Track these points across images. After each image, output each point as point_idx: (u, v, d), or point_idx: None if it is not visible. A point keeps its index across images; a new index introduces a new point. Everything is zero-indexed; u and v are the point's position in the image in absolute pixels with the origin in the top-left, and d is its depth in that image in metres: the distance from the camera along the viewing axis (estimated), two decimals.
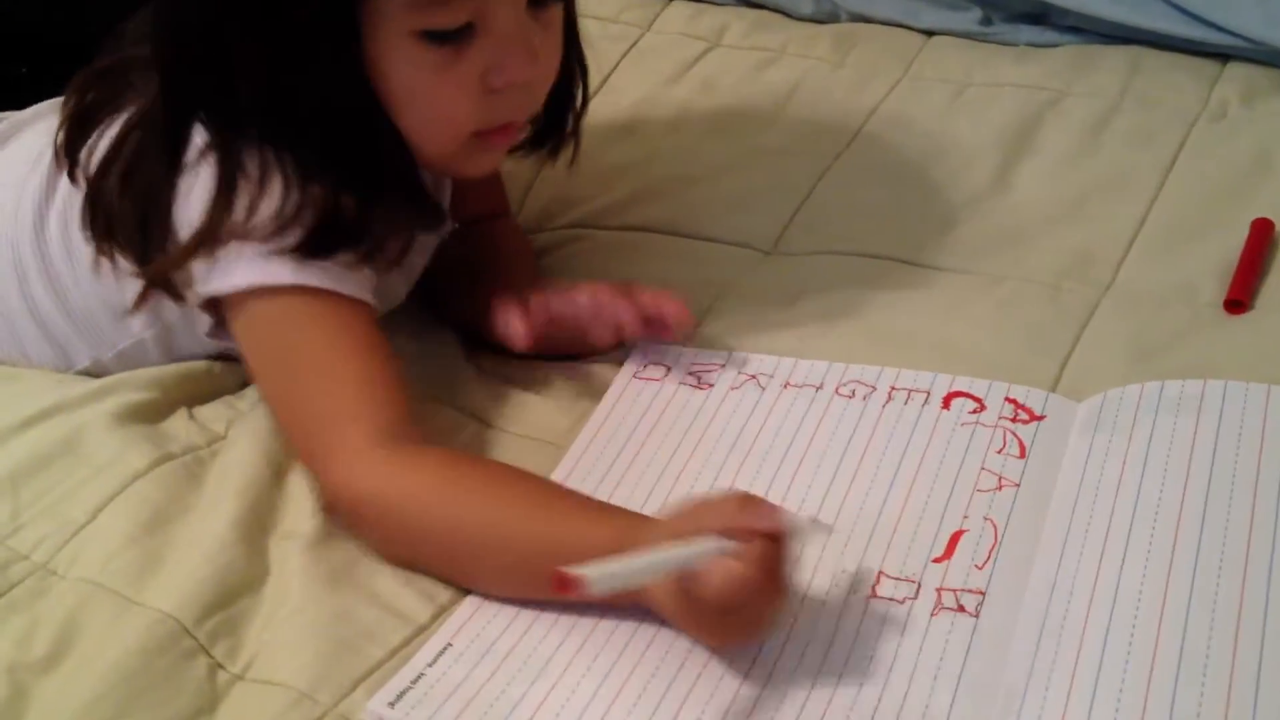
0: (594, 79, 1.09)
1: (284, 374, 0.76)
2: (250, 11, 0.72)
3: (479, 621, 0.68)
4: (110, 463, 0.77)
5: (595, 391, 0.82)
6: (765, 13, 1.18)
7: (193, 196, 0.75)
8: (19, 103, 0.94)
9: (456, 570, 0.70)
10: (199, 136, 0.75)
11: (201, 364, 0.84)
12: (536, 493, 0.71)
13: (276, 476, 0.76)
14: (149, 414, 0.81)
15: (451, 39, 0.73)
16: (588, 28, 1.16)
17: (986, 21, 1.12)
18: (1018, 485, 0.73)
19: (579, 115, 0.87)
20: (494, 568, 0.69)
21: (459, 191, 0.91)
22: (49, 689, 0.66)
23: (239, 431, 0.80)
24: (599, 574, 0.59)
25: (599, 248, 0.95)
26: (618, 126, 1.07)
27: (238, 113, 0.74)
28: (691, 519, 0.64)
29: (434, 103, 0.75)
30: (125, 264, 0.79)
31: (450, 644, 0.67)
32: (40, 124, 0.89)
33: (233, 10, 0.72)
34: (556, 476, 0.76)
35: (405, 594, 0.70)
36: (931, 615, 0.66)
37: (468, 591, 0.70)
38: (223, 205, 0.74)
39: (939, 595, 0.67)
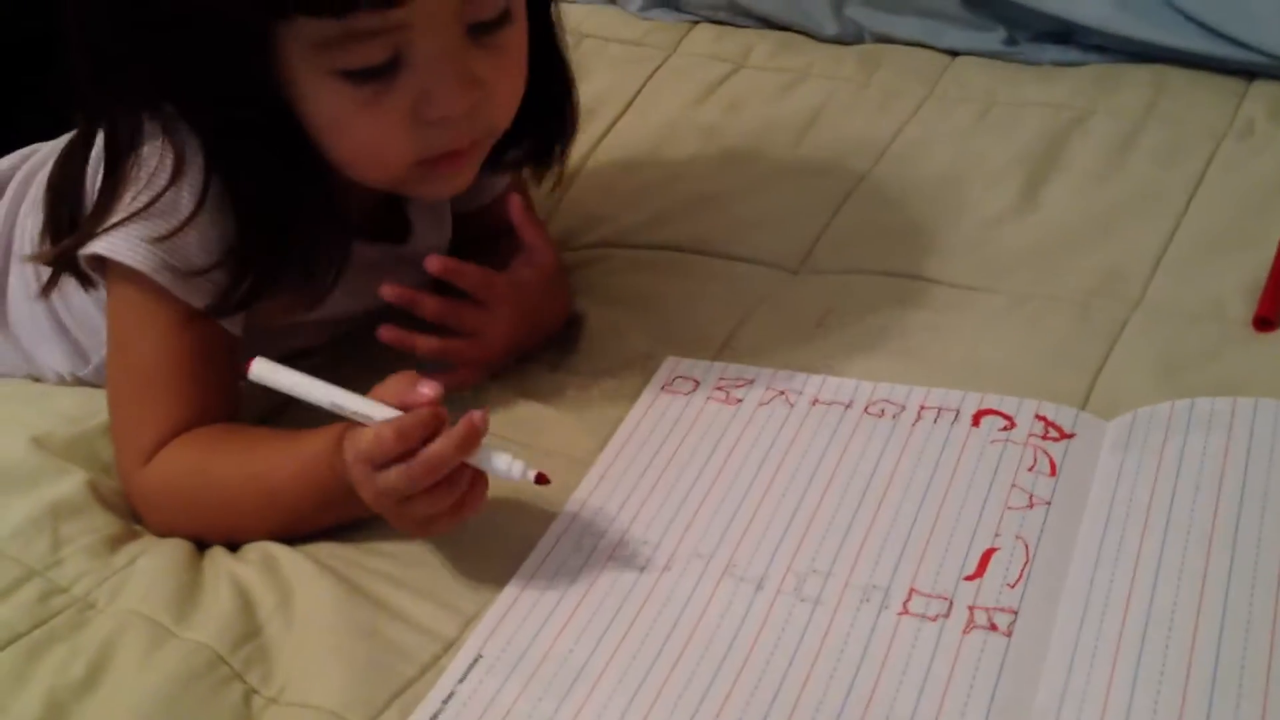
0: (620, 101, 1.12)
1: (117, 352, 0.79)
2: (159, 33, 0.70)
3: (508, 628, 0.69)
4: None
5: (622, 404, 0.82)
6: (790, 34, 1.19)
7: (98, 184, 0.76)
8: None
9: (227, 530, 0.76)
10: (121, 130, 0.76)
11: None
12: (244, 439, 0.77)
13: None
14: None
15: (374, 76, 0.71)
16: (613, 51, 1.19)
17: (1011, 41, 1.12)
18: (1049, 503, 0.72)
19: (566, 135, 0.86)
20: (245, 516, 0.75)
21: (486, 208, 0.91)
22: (87, 711, 0.66)
23: None
24: (268, 369, 0.70)
25: (626, 266, 0.96)
26: (645, 147, 1.07)
27: (153, 108, 0.74)
28: (376, 390, 0.70)
29: (363, 138, 0.73)
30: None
31: (481, 655, 0.67)
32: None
33: (142, 22, 0.70)
34: (582, 491, 0.77)
35: (431, 609, 0.71)
36: (963, 634, 0.66)
37: (493, 600, 0.70)
38: (112, 190, 0.75)
39: (971, 614, 0.67)
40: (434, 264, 0.81)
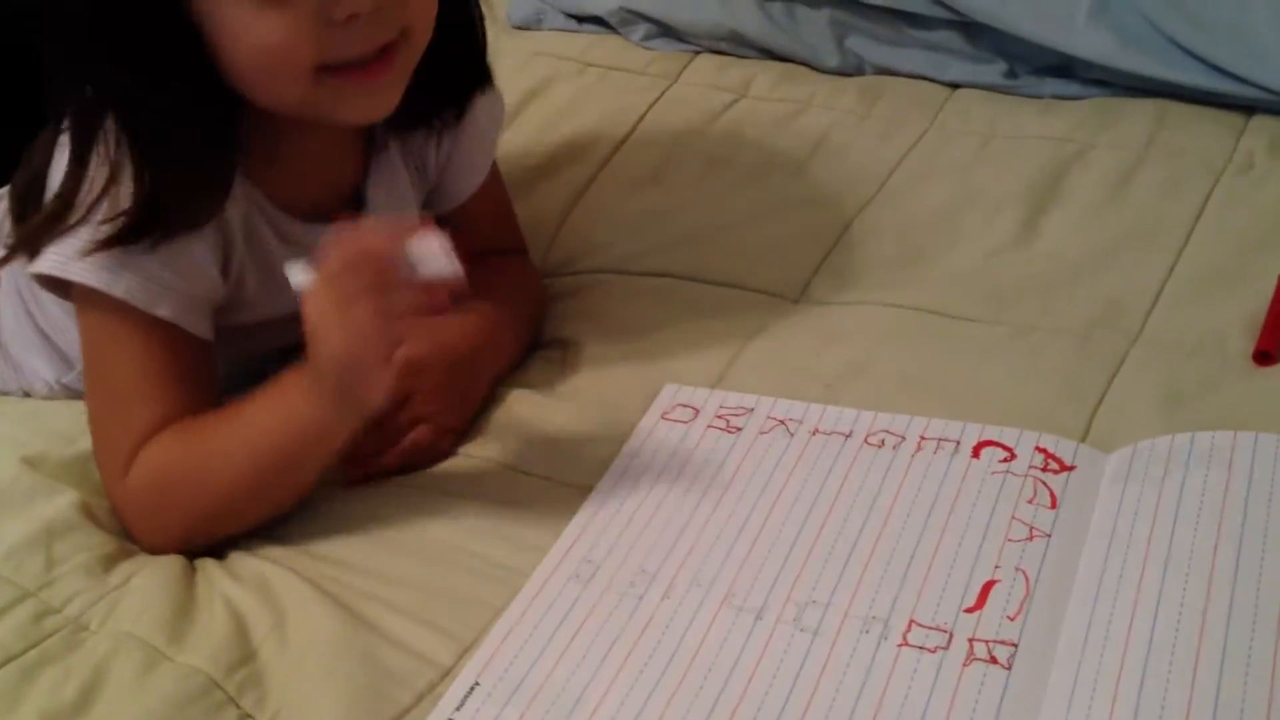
0: (622, 130, 1.12)
1: (91, 372, 0.79)
2: None
3: (505, 656, 0.68)
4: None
5: (621, 432, 0.82)
6: (791, 65, 1.19)
7: (56, 168, 0.76)
8: None
9: (215, 509, 0.76)
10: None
11: None
12: (220, 412, 0.77)
13: (293, 531, 0.77)
14: None
15: None
16: (615, 80, 1.19)
17: (1011, 74, 1.13)
18: (1049, 535, 0.72)
19: (470, 63, 0.84)
20: (231, 483, 0.75)
21: (463, 218, 0.91)
22: None
23: None
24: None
25: (625, 293, 0.96)
26: (646, 176, 1.07)
27: (88, 76, 0.73)
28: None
29: (265, 38, 0.71)
30: None
31: (478, 683, 0.67)
32: None
33: None
34: (581, 518, 0.76)
35: (427, 635, 0.70)
36: (963, 666, 0.66)
37: (490, 627, 0.70)
38: (73, 179, 0.75)
39: (971, 646, 0.67)
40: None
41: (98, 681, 0.68)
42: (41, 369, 0.89)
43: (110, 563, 0.76)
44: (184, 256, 0.76)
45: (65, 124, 0.76)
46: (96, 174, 0.75)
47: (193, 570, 0.76)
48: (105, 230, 0.74)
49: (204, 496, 0.76)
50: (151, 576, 0.75)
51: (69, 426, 0.85)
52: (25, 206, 0.79)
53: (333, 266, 0.70)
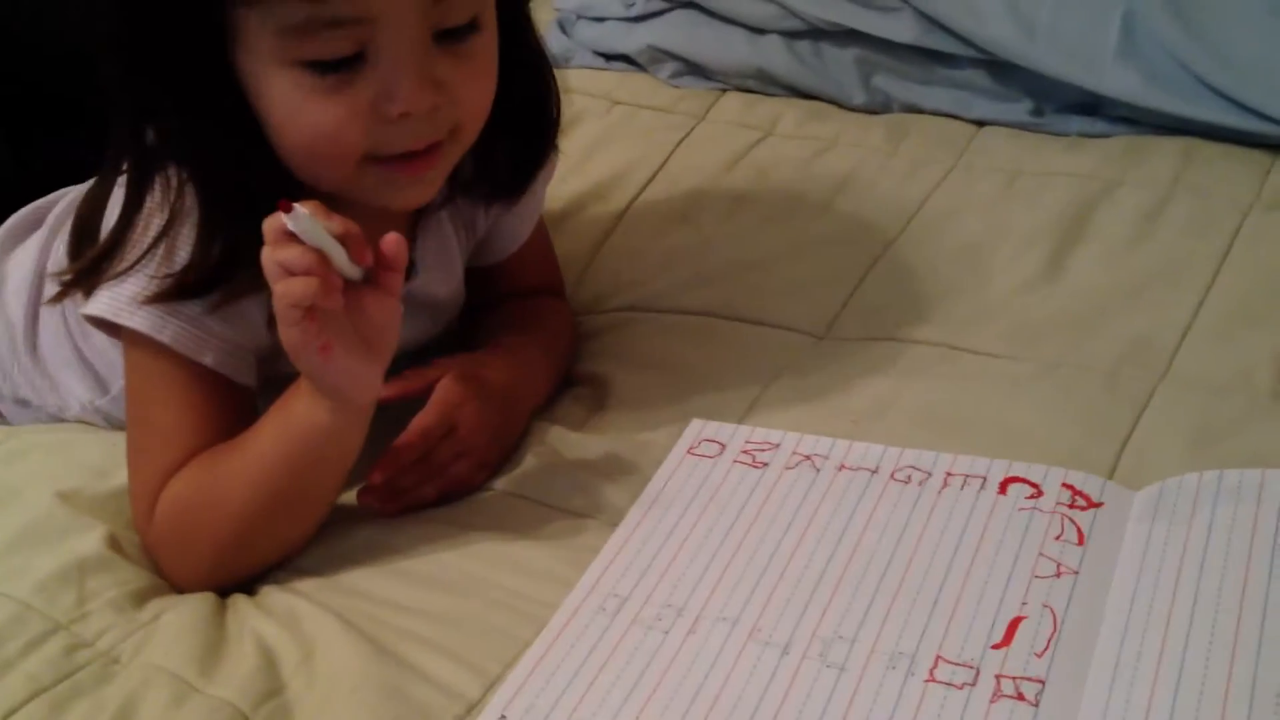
0: (650, 167, 1.13)
1: (132, 412, 0.80)
2: (120, 29, 0.72)
3: (531, 690, 0.69)
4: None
5: (648, 466, 0.83)
6: (818, 103, 1.20)
7: (112, 209, 0.78)
8: None
9: (236, 531, 0.76)
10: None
11: None
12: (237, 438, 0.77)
13: (321, 563, 0.78)
14: None
15: (337, 68, 0.71)
16: (644, 118, 1.20)
17: (1038, 112, 1.13)
18: (1076, 573, 0.72)
19: (547, 131, 0.85)
20: (247, 502, 0.75)
21: (508, 266, 0.92)
22: None
23: None
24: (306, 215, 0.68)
25: (653, 330, 0.96)
26: (674, 213, 1.08)
27: (155, 134, 0.75)
28: None
29: (317, 124, 0.72)
30: None
31: (504, 716, 0.67)
32: None
33: (110, 27, 0.72)
34: (607, 552, 0.77)
35: (455, 669, 0.70)
36: (990, 703, 0.66)
37: (517, 661, 0.70)
38: (126, 222, 0.76)
39: (998, 682, 0.67)
40: (388, 390, 0.81)
41: (128, 714, 0.69)
42: (77, 388, 0.91)
43: (141, 599, 0.77)
44: (233, 307, 0.78)
45: (124, 164, 0.77)
46: (152, 218, 0.76)
47: (224, 607, 0.77)
48: (164, 284, 0.75)
49: (223, 521, 0.76)
50: (183, 612, 0.75)
51: (102, 460, 0.86)
52: (81, 243, 0.80)
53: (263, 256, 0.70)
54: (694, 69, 1.24)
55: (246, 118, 0.74)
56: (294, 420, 0.75)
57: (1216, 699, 0.63)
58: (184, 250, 0.76)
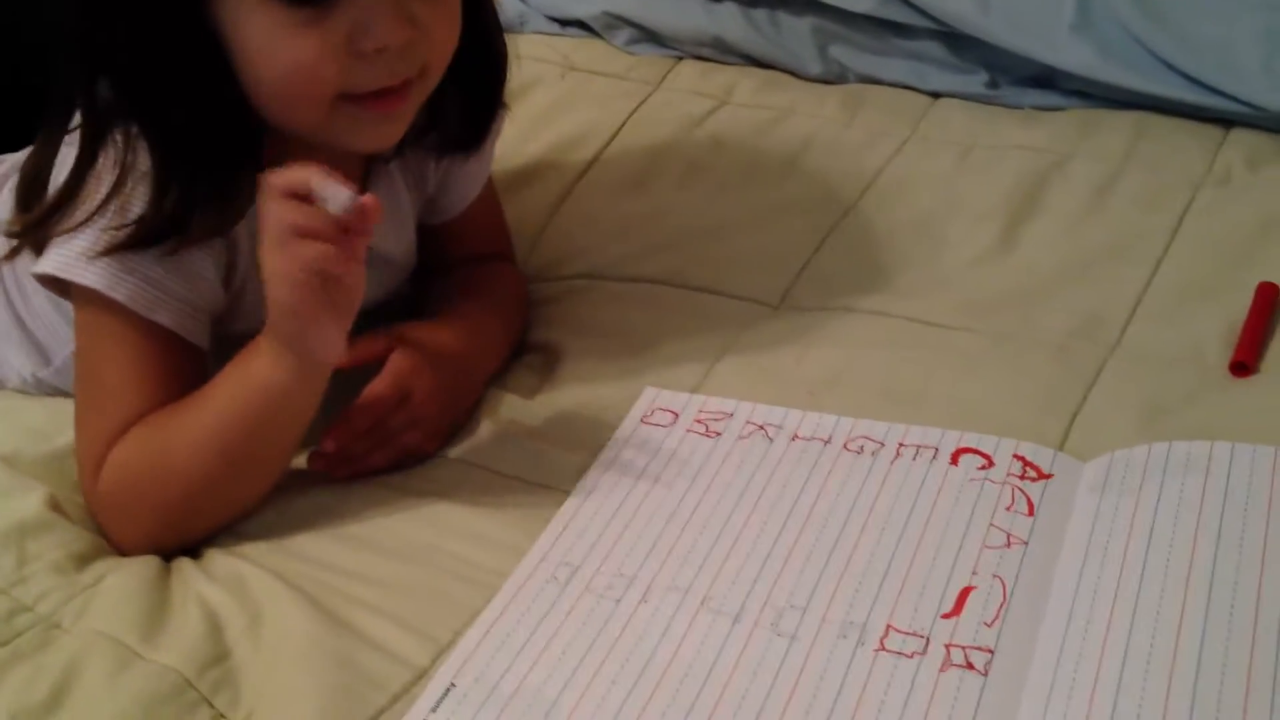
0: (604, 135, 1.12)
1: (81, 367, 0.79)
2: None
3: (481, 658, 0.68)
4: None
5: (600, 435, 0.82)
6: (774, 72, 1.19)
7: (62, 164, 0.76)
8: None
9: (186, 493, 0.74)
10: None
11: None
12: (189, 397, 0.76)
13: (270, 529, 0.77)
14: None
15: (314, 2, 0.71)
16: (598, 84, 1.19)
17: (993, 85, 1.13)
18: (1026, 543, 0.72)
19: (495, 91, 0.85)
20: (199, 463, 0.74)
21: (456, 227, 0.91)
22: None
23: None
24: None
25: (608, 298, 0.96)
26: (629, 181, 1.07)
27: (106, 85, 0.74)
28: None
29: (292, 61, 0.72)
30: None
31: (453, 684, 0.67)
32: None
33: None
34: (559, 521, 0.76)
35: (403, 636, 0.70)
36: (940, 672, 0.66)
37: (466, 628, 0.70)
38: (78, 177, 0.75)
39: (948, 651, 0.67)
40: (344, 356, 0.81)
41: (69, 680, 0.68)
42: (15, 360, 0.89)
43: (83, 561, 0.75)
44: (188, 265, 0.77)
45: (74, 120, 0.76)
46: (103, 175, 0.74)
47: (168, 570, 0.76)
48: (116, 236, 0.74)
49: (172, 481, 0.75)
50: (125, 576, 0.74)
51: (44, 424, 0.84)
52: (29, 198, 0.78)
53: (267, 214, 0.70)
54: (650, 36, 1.23)
55: (214, 61, 0.73)
56: (253, 378, 0.74)
57: (1163, 669, 0.64)
58: (137, 207, 0.74)
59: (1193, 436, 0.76)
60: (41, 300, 0.84)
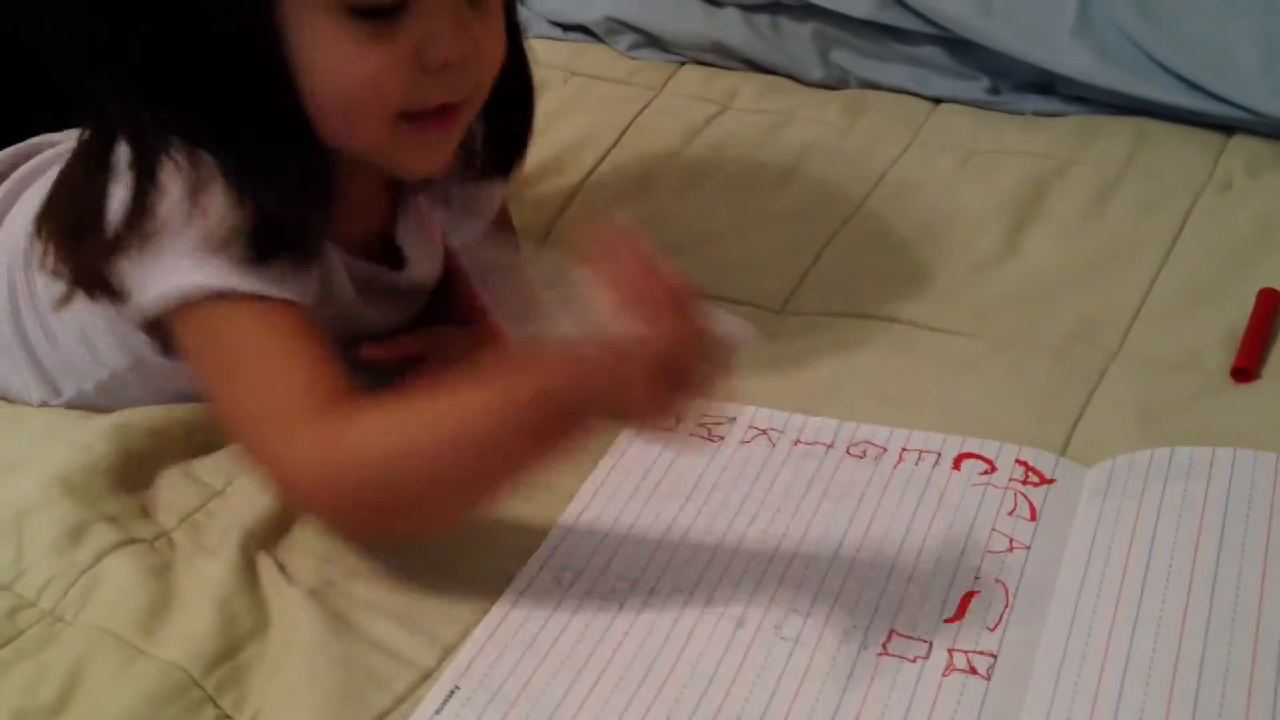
0: (607, 140, 1.12)
1: (225, 379, 0.74)
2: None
3: (484, 662, 0.68)
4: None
5: (604, 439, 0.82)
6: (776, 78, 1.20)
7: (118, 198, 0.74)
8: None
9: (450, 485, 0.69)
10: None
11: (202, 407, 0.83)
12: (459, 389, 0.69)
13: (278, 526, 0.77)
14: (147, 466, 0.80)
15: (381, 15, 0.71)
16: (601, 89, 1.19)
17: (994, 90, 1.14)
18: (1028, 548, 0.73)
19: (525, 124, 0.86)
20: (477, 458, 0.68)
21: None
22: None
23: (238, 487, 0.79)
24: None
25: None
26: (631, 186, 1.07)
27: (157, 109, 0.73)
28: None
29: (360, 75, 0.71)
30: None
31: (457, 687, 0.67)
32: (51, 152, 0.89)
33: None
34: (564, 524, 0.76)
35: (408, 639, 0.70)
36: (943, 676, 0.66)
37: (472, 630, 0.70)
38: (140, 200, 0.73)
39: (950, 656, 0.67)
40: (371, 351, 0.83)
41: (73, 680, 0.67)
42: (25, 388, 0.86)
43: (78, 535, 0.74)
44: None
45: (109, 150, 0.75)
46: (165, 196, 0.73)
47: (169, 561, 0.74)
48: (212, 242, 0.72)
49: (413, 491, 0.69)
50: (126, 562, 0.73)
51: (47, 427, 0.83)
52: (80, 239, 0.76)
53: (658, 335, 0.65)
54: (652, 41, 1.24)
55: (282, 79, 0.72)
56: (526, 404, 0.67)
57: (1165, 675, 0.64)
58: (214, 220, 0.73)
59: (1194, 442, 0.77)
60: (61, 323, 0.82)
